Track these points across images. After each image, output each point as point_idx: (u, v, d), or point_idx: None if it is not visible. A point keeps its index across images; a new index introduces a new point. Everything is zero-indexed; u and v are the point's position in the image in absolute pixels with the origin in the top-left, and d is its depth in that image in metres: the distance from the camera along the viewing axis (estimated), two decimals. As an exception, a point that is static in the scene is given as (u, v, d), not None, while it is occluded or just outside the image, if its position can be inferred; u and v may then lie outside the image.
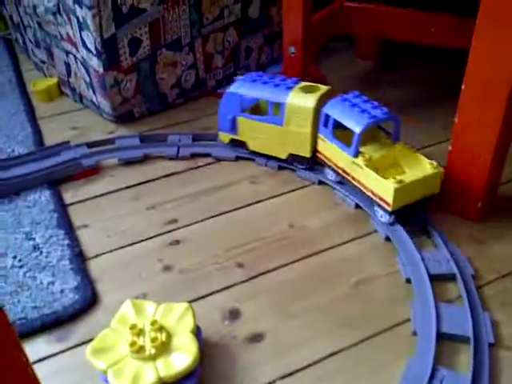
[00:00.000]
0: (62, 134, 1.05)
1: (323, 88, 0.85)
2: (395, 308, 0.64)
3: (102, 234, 0.80)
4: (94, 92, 1.04)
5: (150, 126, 1.06)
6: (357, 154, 0.76)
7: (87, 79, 1.03)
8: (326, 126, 0.81)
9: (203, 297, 0.68)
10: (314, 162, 0.87)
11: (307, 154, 0.86)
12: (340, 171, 0.81)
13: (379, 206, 0.74)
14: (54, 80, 1.18)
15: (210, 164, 0.94)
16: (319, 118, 0.82)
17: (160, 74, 1.05)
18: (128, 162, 0.95)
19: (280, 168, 0.91)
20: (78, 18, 0.93)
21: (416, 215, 0.75)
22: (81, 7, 0.90)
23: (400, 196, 0.71)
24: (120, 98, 1.02)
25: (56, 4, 1.01)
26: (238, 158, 0.94)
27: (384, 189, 0.72)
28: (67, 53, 1.06)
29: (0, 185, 0.87)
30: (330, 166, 0.83)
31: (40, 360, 0.62)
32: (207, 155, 0.96)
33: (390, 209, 0.72)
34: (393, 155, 0.77)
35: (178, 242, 0.77)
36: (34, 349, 0.63)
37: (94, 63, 0.97)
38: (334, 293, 0.67)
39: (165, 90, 1.07)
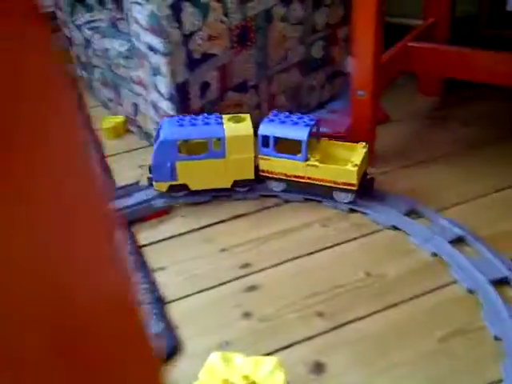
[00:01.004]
0: (131, 172, 1.08)
1: (246, 116, 0.94)
2: (485, 367, 0.63)
3: (178, 277, 0.82)
4: (162, 132, 1.08)
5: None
6: (307, 157, 0.90)
7: (156, 120, 1.07)
8: (266, 146, 0.92)
9: (286, 347, 0.68)
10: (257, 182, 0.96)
11: (252, 176, 0.95)
12: (292, 178, 0.93)
13: (341, 190, 0.90)
14: (121, 118, 1.22)
15: (278, 205, 0.96)
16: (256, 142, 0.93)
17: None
18: (197, 203, 0.97)
19: (351, 210, 0.91)
20: (151, 64, 0.97)
21: (364, 185, 0.91)
22: (155, 54, 0.94)
23: (358, 175, 0.88)
24: (188, 139, 1.05)
25: (129, 49, 1.05)
26: (306, 200, 0.95)
27: (346, 174, 0.88)
28: (136, 94, 1.10)
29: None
30: (276, 179, 0.94)
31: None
32: (274, 196, 0.97)
33: (355, 188, 0.89)
34: (326, 150, 0.94)
35: (254, 287, 0.78)
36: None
37: (165, 106, 1.00)
38: (419, 348, 0.66)
39: (229, 129, 1.10)
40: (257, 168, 0.95)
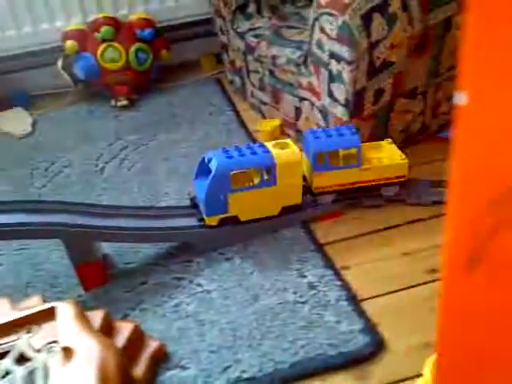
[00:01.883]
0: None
1: (290, 142, 0.95)
2: None
3: (365, 277, 0.85)
4: (326, 136, 1.12)
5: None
6: (361, 162, 0.96)
7: (322, 124, 1.11)
8: (322, 162, 0.95)
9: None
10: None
11: (299, 201, 0.96)
12: (343, 187, 0.97)
13: (388, 185, 0.97)
14: (278, 121, 1.28)
15: (452, 213, 0.96)
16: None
17: (393, 120, 1.10)
18: (366, 207, 1.00)
19: None
20: (330, 71, 1.01)
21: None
22: (338, 62, 0.98)
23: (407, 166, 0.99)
24: (355, 143, 1.09)
25: (301, 56, 1.10)
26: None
27: (398, 168, 0.97)
28: (301, 99, 1.15)
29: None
30: (330, 192, 0.97)
31: (342, 396, 0.68)
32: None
33: (405, 178, 0.98)
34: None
35: (445, 292, 0.80)
36: (334, 385, 0.69)
37: (338, 112, 1.04)
38: None
39: (392, 134, 1.12)
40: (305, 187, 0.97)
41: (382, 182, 0.98)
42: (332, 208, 0.99)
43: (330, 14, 0.95)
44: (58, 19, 1.49)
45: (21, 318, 0.62)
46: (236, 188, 0.89)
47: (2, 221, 0.81)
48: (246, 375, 0.70)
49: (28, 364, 0.58)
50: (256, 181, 0.90)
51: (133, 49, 1.45)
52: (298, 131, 1.22)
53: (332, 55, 0.99)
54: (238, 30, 1.34)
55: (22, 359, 0.59)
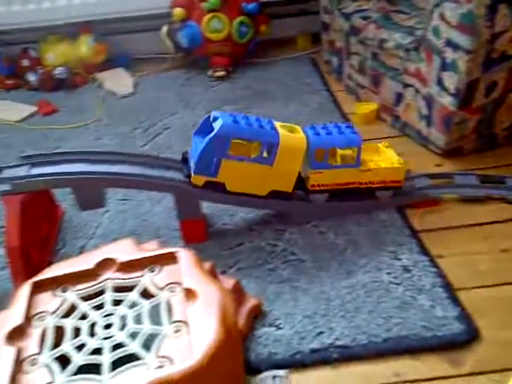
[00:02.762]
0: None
1: (298, 128, 0.91)
2: None
3: (460, 267, 0.85)
4: (427, 125, 1.11)
5: (476, 163, 1.09)
6: (360, 162, 0.91)
7: (424, 112, 1.10)
8: (321, 160, 0.90)
9: None
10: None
11: (289, 190, 0.91)
12: (343, 187, 0.93)
13: (385, 189, 0.94)
14: (375, 105, 1.28)
15: (555, 215, 0.94)
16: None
17: (499, 116, 1.07)
18: (465, 200, 0.99)
19: None
20: (444, 59, 1.00)
21: None
22: (454, 50, 0.97)
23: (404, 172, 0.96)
24: (457, 135, 1.07)
25: (413, 42, 1.10)
26: None
27: (394, 173, 0.93)
28: (405, 85, 1.15)
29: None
30: (323, 191, 0.93)
31: (431, 379, 0.69)
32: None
33: (401, 184, 0.95)
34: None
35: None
36: (425, 366, 0.70)
37: (446, 101, 1.03)
38: None
39: (497, 131, 1.09)
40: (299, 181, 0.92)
41: (378, 186, 0.94)
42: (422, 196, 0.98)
43: (455, 1, 0.93)
44: (168, -13, 1.54)
45: (145, 258, 0.68)
46: (232, 155, 0.86)
47: (124, 170, 0.88)
48: (339, 342, 0.73)
49: (152, 299, 0.63)
50: (254, 155, 0.87)
51: (236, 21, 1.49)
52: (396, 117, 1.22)
53: (448, 43, 0.98)
54: (344, 11, 1.34)
55: (145, 294, 0.64)
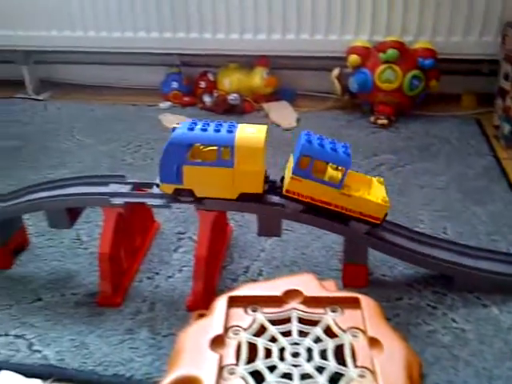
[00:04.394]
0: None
1: (262, 128, 0.87)
2: None
3: None
4: None
5: None
6: (342, 185, 0.87)
7: None
8: (304, 168, 0.86)
9: None
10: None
11: (260, 191, 0.89)
12: (315, 203, 0.88)
13: (363, 222, 0.90)
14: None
15: None
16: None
17: None
18: None
19: None
20: None
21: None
22: None
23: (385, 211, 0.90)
24: None
25: None
26: None
27: (375, 208, 0.88)
28: None
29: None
30: (299, 201, 0.89)
31: None
32: None
33: (379, 222, 0.90)
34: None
35: None
36: None
37: None
38: None
39: None
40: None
41: (355, 216, 0.89)
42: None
43: None
44: (347, 33, 1.62)
45: (328, 297, 0.72)
46: (191, 161, 0.87)
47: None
48: (503, 427, 0.71)
49: (336, 339, 0.67)
50: (213, 159, 0.88)
51: (410, 74, 1.52)
52: None
53: None
54: (529, 81, 1.31)
55: (327, 333, 0.69)
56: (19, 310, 0.94)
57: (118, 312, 0.93)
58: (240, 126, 0.88)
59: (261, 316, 0.71)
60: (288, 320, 0.70)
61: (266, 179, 0.92)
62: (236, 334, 0.68)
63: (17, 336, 0.88)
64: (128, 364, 0.82)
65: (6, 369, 0.82)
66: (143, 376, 0.80)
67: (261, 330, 0.69)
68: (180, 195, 0.91)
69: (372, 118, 1.59)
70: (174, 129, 0.88)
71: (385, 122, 1.56)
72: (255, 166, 0.87)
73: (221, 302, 0.72)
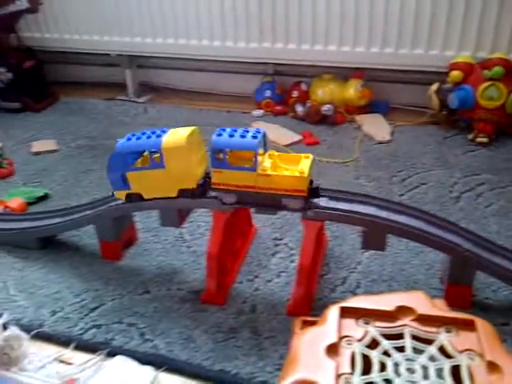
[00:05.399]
0: None
1: (191, 128, 0.96)
2: None
3: None
4: None
5: None
6: (257, 167, 0.91)
7: None
8: (219, 159, 0.92)
9: None
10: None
11: (194, 186, 0.97)
12: (243, 189, 0.93)
13: (291, 197, 0.91)
14: None
15: None
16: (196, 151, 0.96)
17: None
18: None
19: None
20: None
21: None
22: None
23: (307, 182, 0.91)
24: None
25: None
26: None
27: (296, 182, 0.90)
28: None
29: None
30: (228, 191, 0.94)
31: None
32: None
33: (305, 194, 0.91)
34: (274, 161, 0.94)
35: None
36: None
37: None
38: None
39: None
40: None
41: (280, 193, 0.92)
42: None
43: None
44: (450, 48, 1.59)
45: (442, 317, 0.72)
46: (132, 167, 0.98)
47: (406, 221, 0.94)
48: None
49: (451, 359, 0.67)
50: (147, 163, 0.97)
51: (515, 93, 1.47)
52: None
53: None
54: None
55: (442, 353, 0.68)
56: (130, 300, 1.01)
57: (220, 310, 0.97)
58: (171, 130, 0.98)
59: (373, 329, 0.72)
60: (400, 336, 0.71)
61: (208, 175, 0.99)
62: (349, 344, 0.69)
63: (129, 324, 0.95)
64: (233, 361, 0.86)
65: (121, 354, 0.89)
66: (248, 375, 0.84)
67: (373, 343, 0.70)
68: (132, 200, 1.02)
69: (471, 136, 1.54)
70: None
71: (484, 140, 1.51)
72: (183, 163, 0.95)
73: (333, 312, 0.73)
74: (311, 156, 0.95)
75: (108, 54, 2.01)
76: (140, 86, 2.10)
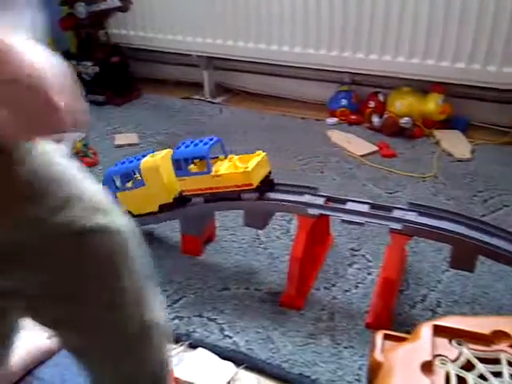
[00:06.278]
0: None
1: (163, 151, 1.10)
2: None
3: None
4: None
5: None
6: (211, 171, 1.02)
7: None
8: (180, 169, 1.04)
9: None
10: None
11: (170, 200, 1.10)
12: (205, 192, 1.04)
13: (244, 191, 1.01)
14: None
15: None
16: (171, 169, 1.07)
17: None
18: None
19: None
20: None
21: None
22: None
23: (254, 176, 1.00)
24: None
25: None
26: None
27: (242, 177, 0.99)
28: None
29: None
30: (195, 195, 1.07)
31: None
32: None
33: (254, 185, 1.00)
34: (232, 163, 1.04)
35: None
36: None
37: None
38: None
39: None
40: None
41: (235, 189, 1.01)
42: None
43: None
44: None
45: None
46: (120, 188, 1.12)
47: (496, 243, 0.92)
48: None
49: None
50: (132, 184, 1.12)
51: None
52: None
53: None
54: None
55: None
56: (210, 295, 1.04)
57: (299, 315, 0.98)
58: (150, 154, 1.12)
59: (467, 351, 0.70)
60: (496, 361, 0.69)
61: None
62: (443, 363, 0.68)
63: (210, 319, 0.98)
64: (312, 367, 0.87)
65: (203, 347, 0.91)
66: (327, 382, 0.84)
67: (468, 365, 0.69)
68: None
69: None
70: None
71: None
72: (160, 181, 1.08)
73: (426, 329, 0.73)
74: (262, 153, 1.05)
75: (189, 55, 2.07)
76: (216, 87, 2.15)
